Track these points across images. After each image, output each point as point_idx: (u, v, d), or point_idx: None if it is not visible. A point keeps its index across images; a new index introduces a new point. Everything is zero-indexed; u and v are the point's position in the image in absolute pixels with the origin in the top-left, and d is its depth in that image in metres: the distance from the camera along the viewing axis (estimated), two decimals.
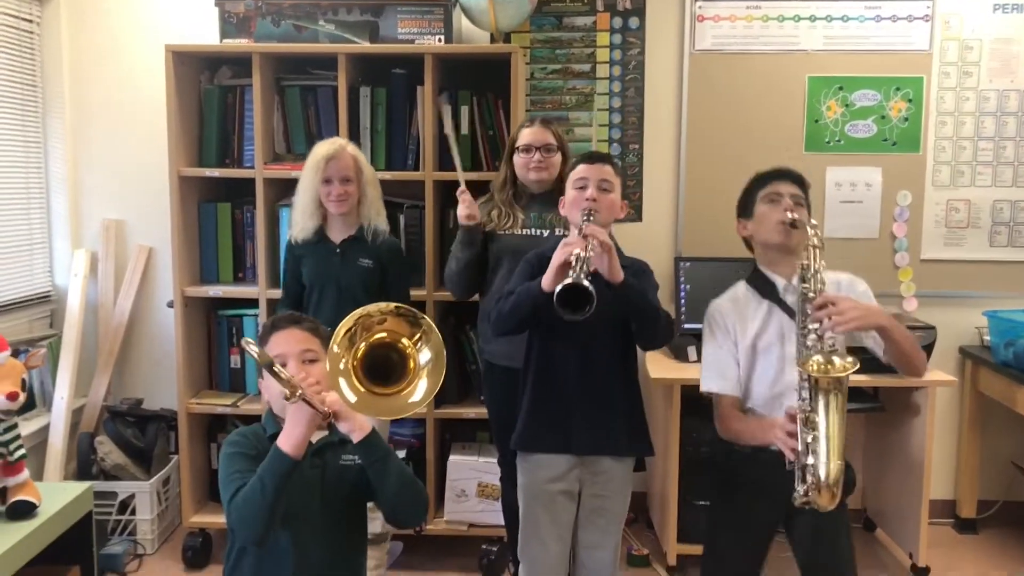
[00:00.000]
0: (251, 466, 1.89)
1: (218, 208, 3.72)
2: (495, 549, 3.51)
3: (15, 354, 3.02)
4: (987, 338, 3.88)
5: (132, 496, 3.68)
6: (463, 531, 3.60)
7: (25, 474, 3.02)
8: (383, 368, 1.92)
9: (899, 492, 3.66)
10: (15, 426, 2.97)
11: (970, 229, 3.98)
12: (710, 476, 2.53)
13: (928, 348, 3.54)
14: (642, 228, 4.01)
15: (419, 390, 1.92)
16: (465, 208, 3.05)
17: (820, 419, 2.02)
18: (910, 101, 3.92)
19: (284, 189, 3.65)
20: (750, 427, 2.30)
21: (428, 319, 1.96)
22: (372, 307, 1.93)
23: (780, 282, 2.34)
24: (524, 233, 3.06)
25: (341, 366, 1.87)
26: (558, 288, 2.05)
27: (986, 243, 3.99)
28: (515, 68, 3.44)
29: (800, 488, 2.04)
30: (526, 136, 3.03)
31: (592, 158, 2.49)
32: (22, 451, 3.00)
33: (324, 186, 3.08)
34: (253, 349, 1.87)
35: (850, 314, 2.08)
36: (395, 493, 1.96)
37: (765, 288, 2.35)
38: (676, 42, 3.96)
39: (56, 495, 3.16)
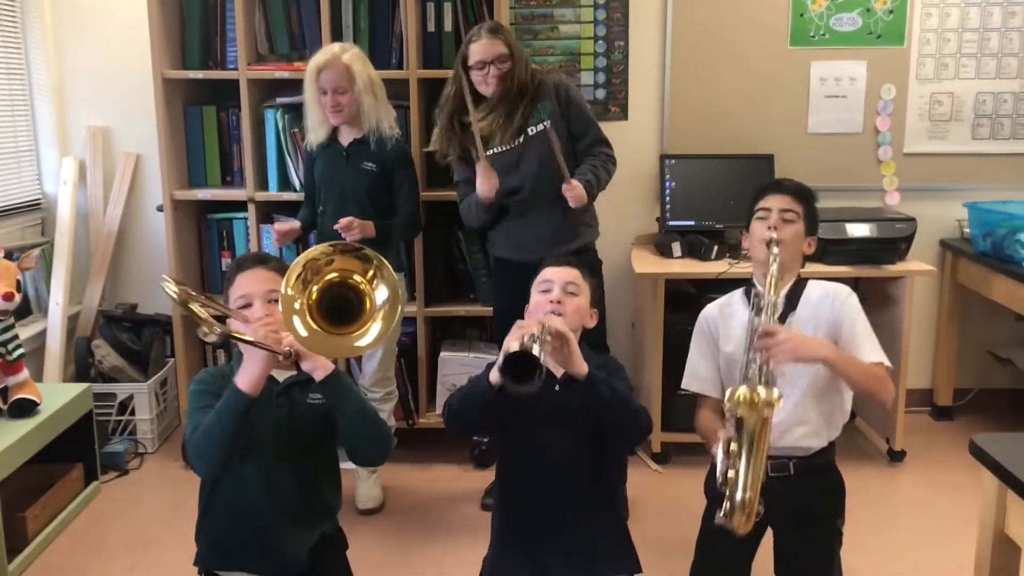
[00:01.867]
0: (213, 403, 1.90)
1: (203, 111, 3.72)
2: (486, 440, 3.62)
3: (8, 257, 3.09)
4: (967, 230, 3.95)
5: (131, 397, 3.78)
6: None
7: (25, 373, 3.12)
8: (342, 309, 1.85)
9: None
10: (12, 326, 3.06)
11: (953, 122, 4.01)
12: (706, 476, 2.42)
13: (908, 240, 3.61)
14: (627, 126, 4.02)
15: (370, 334, 1.84)
16: (487, 190, 2.99)
17: (741, 453, 1.99)
18: None
19: (268, 90, 3.66)
20: (711, 429, 2.27)
21: (378, 255, 1.88)
22: (315, 250, 1.84)
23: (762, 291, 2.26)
24: (502, 149, 3.05)
25: (296, 306, 1.80)
26: (502, 355, 1.87)
27: (969, 136, 4.02)
28: None
29: (721, 508, 2.02)
30: (477, 52, 2.98)
31: (559, 260, 2.27)
32: (21, 350, 3.09)
33: (321, 97, 3.10)
34: (172, 288, 1.81)
35: (785, 346, 2.06)
36: (356, 432, 1.98)
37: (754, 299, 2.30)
38: None
39: (56, 395, 3.27)
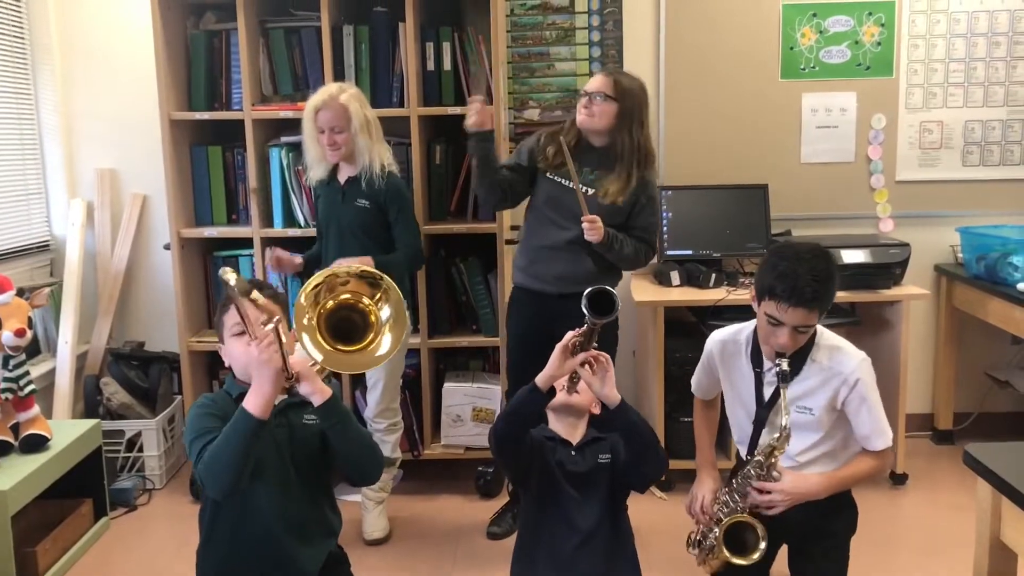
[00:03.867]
0: (218, 424, 1.95)
1: (209, 151, 3.80)
2: (491, 470, 3.65)
3: (19, 295, 3.15)
4: (960, 255, 4.01)
5: (139, 434, 3.81)
6: (460, 454, 3.75)
7: (36, 409, 3.17)
8: (345, 329, 1.95)
9: None
10: (24, 362, 3.11)
11: (943, 150, 4.09)
12: None
13: (903, 265, 3.67)
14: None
15: (384, 344, 1.95)
16: (473, 115, 3.05)
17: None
18: (882, 25, 4.00)
19: (272, 130, 3.74)
20: (698, 443, 2.62)
21: (388, 279, 1.98)
22: (340, 267, 1.95)
23: (768, 363, 2.32)
24: (566, 184, 3.08)
25: (305, 321, 1.89)
26: (587, 293, 1.97)
27: (959, 163, 4.10)
28: (494, 4, 3.50)
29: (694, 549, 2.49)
30: (589, 83, 3.13)
31: None
32: (32, 387, 3.14)
33: (320, 135, 3.18)
34: (231, 277, 1.87)
35: (779, 500, 2.24)
36: (351, 454, 2.06)
37: (755, 356, 2.36)
38: None
39: (66, 431, 3.31)
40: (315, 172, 3.30)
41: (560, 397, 2.17)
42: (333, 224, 3.28)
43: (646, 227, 3.18)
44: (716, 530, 2.36)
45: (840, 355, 2.28)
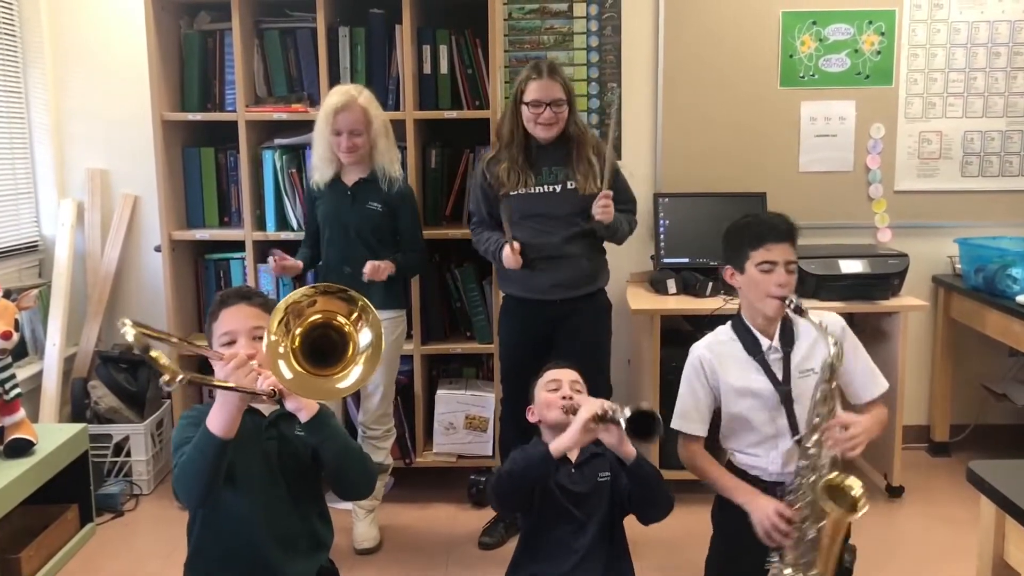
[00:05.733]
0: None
1: (201, 153, 3.75)
2: (483, 479, 3.61)
3: (6, 297, 3.10)
4: (959, 266, 3.98)
5: (127, 439, 3.76)
6: (452, 462, 3.71)
7: (21, 413, 3.11)
8: (325, 350, 1.84)
9: None
10: (10, 366, 3.06)
11: (942, 160, 4.07)
12: (712, 507, 2.50)
13: (901, 276, 3.65)
14: (621, 165, 4.04)
15: (352, 376, 1.84)
16: (512, 261, 3.05)
17: (821, 543, 2.09)
18: (882, 34, 3.97)
19: (266, 132, 3.70)
20: (724, 480, 2.34)
21: (363, 298, 1.88)
22: (297, 292, 1.83)
23: (765, 343, 2.32)
24: (536, 192, 3.09)
25: (280, 350, 1.78)
26: (628, 413, 2.00)
27: (958, 173, 4.07)
28: (492, 8, 3.48)
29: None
30: (534, 91, 3.01)
31: (558, 364, 2.40)
32: (17, 390, 3.09)
33: (335, 137, 3.11)
34: (130, 332, 1.68)
35: (859, 440, 2.14)
36: (341, 469, 1.99)
37: (750, 344, 2.33)
38: None
39: (52, 435, 3.26)
40: (321, 174, 3.21)
41: (556, 416, 2.22)
42: (338, 226, 3.21)
43: (627, 200, 3.23)
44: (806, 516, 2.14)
45: (817, 313, 2.30)
